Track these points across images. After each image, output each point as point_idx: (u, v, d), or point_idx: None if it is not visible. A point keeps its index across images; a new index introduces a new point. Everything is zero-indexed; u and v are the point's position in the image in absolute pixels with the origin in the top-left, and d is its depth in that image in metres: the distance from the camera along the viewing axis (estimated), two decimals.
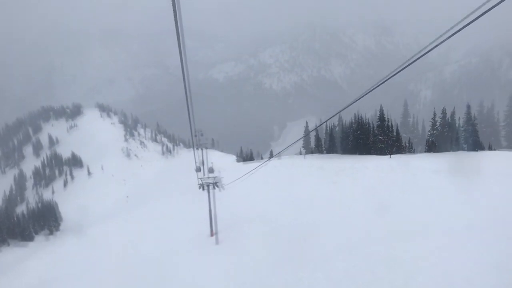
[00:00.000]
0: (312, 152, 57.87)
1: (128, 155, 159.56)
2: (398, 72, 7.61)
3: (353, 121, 49.71)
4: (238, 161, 77.03)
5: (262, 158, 58.73)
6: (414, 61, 6.91)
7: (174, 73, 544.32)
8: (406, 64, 7.43)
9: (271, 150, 67.32)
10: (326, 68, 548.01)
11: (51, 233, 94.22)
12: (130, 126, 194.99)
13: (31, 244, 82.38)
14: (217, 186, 35.23)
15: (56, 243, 57.95)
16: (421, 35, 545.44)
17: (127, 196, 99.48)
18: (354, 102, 8.84)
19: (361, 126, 49.13)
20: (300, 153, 66.97)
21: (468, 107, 41.69)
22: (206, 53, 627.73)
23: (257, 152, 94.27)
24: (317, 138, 58.06)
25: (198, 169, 31.58)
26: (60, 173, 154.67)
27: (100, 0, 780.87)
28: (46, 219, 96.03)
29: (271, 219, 34.90)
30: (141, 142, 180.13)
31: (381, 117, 48.14)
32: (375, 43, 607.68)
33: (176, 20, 6.04)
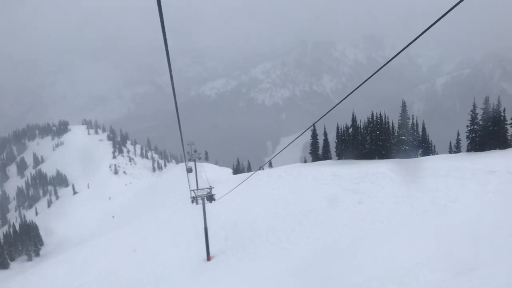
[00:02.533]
0: (319, 159, 51.43)
1: (116, 172, 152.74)
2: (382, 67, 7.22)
3: (370, 120, 43.31)
4: (234, 173, 70.53)
5: (262, 169, 52.07)
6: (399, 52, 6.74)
7: (166, 90, 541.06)
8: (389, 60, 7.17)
9: (270, 161, 61.41)
10: (318, 83, 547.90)
11: (29, 258, 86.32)
12: (119, 142, 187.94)
13: (4, 272, 74.34)
14: (211, 200, 28.96)
15: (33, 270, 50.92)
16: (411, 47, 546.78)
17: (112, 216, 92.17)
18: (342, 101, 8.94)
19: (380, 126, 42.74)
20: (305, 161, 60.55)
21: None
22: (198, 70, 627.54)
23: (254, 165, 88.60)
24: (326, 143, 51.48)
25: (189, 170, 25.96)
26: (45, 193, 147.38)
27: (91, 19, 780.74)
28: (24, 244, 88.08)
29: (279, 237, 28.25)
30: (131, 159, 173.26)
31: (403, 114, 42.03)
32: (366, 57, 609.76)
33: (165, 38, 6.16)
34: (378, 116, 42.55)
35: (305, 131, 14.37)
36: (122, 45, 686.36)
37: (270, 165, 74.06)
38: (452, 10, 5.50)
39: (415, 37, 6.47)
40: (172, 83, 7.85)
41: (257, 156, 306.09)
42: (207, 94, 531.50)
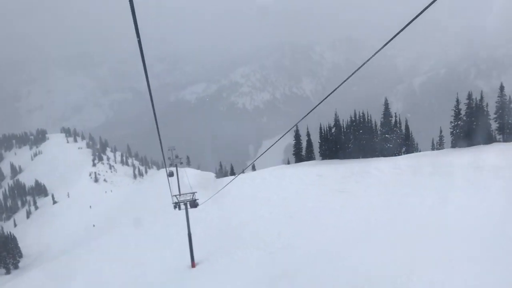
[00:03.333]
0: (302, 160, 51.03)
1: (96, 180, 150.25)
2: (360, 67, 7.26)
3: (353, 119, 43.10)
4: (217, 177, 69.71)
5: (244, 172, 51.48)
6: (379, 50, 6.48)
7: (145, 96, 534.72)
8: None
9: (253, 164, 61.04)
10: (297, 86, 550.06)
11: (8, 271, 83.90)
12: (99, 150, 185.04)
13: None
14: (195, 205, 28.18)
15: (11, 283, 49.23)
16: (388, 48, 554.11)
17: (93, 225, 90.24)
18: (321, 102, 8.92)
19: (363, 125, 42.58)
20: (288, 162, 60.12)
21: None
22: (177, 76, 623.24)
23: (237, 168, 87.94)
24: (309, 143, 51.14)
25: (170, 174, 25.23)
26: (23, 204, 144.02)
27: (66, 27, 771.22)
28: (2, 257, 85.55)
29: (266, 241, 27.68)
30: (111, 166, 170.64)
31: (386, 112, 41.97)
32: (344, 59, 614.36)
33: (140, 43, 6.08)
34: (361, 115, 42.47)
35: (287, 132, 13.99)
36: (99, 52, 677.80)
37: (253, 168, 73.58)
38: (427, 11, 5.51)
39: (391, 38, 6.54)
40: (149, 89, 7.84)
41: (239, 160, 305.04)
42: (187, 99, 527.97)
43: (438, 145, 43.15)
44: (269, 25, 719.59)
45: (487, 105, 36.01)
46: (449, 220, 20.14)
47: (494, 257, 13.83)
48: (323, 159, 47.77)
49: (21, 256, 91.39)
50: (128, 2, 5.17)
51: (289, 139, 55.12)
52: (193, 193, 29.02)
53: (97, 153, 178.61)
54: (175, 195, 29.31)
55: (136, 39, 5.98)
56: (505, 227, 16.60)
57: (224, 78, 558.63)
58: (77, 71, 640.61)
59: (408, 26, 5.92)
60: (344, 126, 44.73)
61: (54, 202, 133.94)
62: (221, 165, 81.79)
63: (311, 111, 9.88)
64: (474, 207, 20.98)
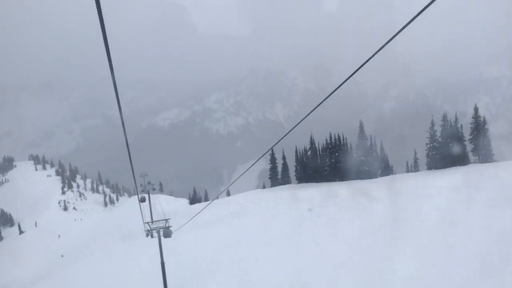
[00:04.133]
0: (278, 184, 50.40)
1: (66, 208, 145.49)
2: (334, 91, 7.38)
3: (329, 141, 42.89)
4: (191, 203, 68.32)
5: (218, 198, 50.49)
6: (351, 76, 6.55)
7: (117, 122, 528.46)
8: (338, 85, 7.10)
9: (228, 189, 60.13)
10: (270, 111, 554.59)
11: None
12: (69, 177, 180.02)
13: None
14: (168, 233, 26.84)
15: None
16: (358, 73, 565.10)
17: (61, 255, 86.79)
18: (295, 127, 9.22)
19: (339, 148, 42.40)
20: (264, 187, 59.33)
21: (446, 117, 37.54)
22: (149, 101, 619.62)
23: (211, 194, 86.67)
24: (285, 167, 50.68)
25: (142, 199, 24.20)
26: None
27: (37, 53, 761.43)
28: None
29: (244, 269, 26.71)
30: (81, 194, 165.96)
31: (361, 134, 41.99)
32: (315, 85, 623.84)
33: (112, 69, 5.98)
34: (337, 137, 42.36)
35: (262, 156, 13.54)
36: (70, 79, 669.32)
37: (228, 194, 72.53)
38: (395, 38, 5.57)
39: (361, 64, 6.59)
40: (121, 115, 7.72)
41: (213, 186, 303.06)
42: (160, 125, 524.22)
43: (413, 168, 43.31)
44: (242, 51, 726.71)
45: (461, 126, 36.37)
46: (432, 240, 19.82)
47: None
48: (299, 182, 47.33)
49: None
50: (100, 28, 5.02)
51: (264, 164, 54.86)
52: (166, 220, 27.88)
53: (66, 181, 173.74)
54: (147, 222, 28.11)
55: (108, 65, 5.88)
56: None
57: (197, 104, 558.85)
58: (47, 97, 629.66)
59: (378, 53, 5.98)
60: (320, 149, 44.53)
61: (21, 232, 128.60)
62: (195, 191, 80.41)
63: (285, 135, 9.84)
64: (452, 226, 20.75)
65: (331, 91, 7.29)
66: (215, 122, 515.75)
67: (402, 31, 5.49)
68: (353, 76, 6.59)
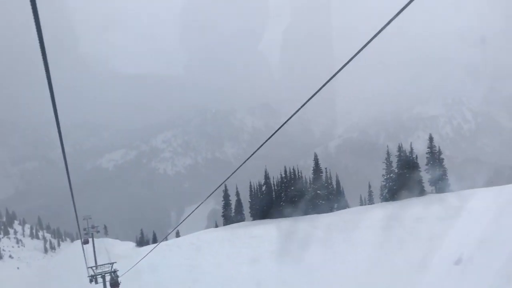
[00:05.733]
0: (232, 222, 48.85)
1: (1, 257, 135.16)
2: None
3: (283, 176, 42.34)
4: (139, 246, 65.13)
5: (167, 239, 48.30)
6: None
7: (60, 165, 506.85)
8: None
9: (178, 230, 57.89)
10: (220, 150, 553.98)
11: None
12: (5, 223, 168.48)
13: None
14: (116, 284, 24.76)
15: None
16: (304, 113, 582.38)
17: None
18: (241, 165, 9.02)
19: (294, 182, 41.89)
20: (216, 226, 57.36)
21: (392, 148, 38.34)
22: (94, 142, 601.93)
23: (160, 236, 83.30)
24: (238, 203, 49.43)
25: (85, 241, 22.38)
26: None
27: None
28: None
29: None
30: (18, 241, 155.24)
31: (316, 168, 41.77)
32: (263, 124, 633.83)
33: (55, 107, 5.83)
34: (291, 171, 42.00)
35: (210, 194, 12.76)
36: (9, 120, 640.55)
37: (178, 234, 69.99)
38: (335, 79, 5.74)
39: (304, 102, 6.85)
40: (64, 157, 7.67)
41: (162, 227, 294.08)
42: (105, 167, 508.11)
43: (367, 201, 43.52)
44: (190, 90, 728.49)
45: (416, 157, 37.00)
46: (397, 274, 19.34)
47: None
48: (254, 219, 46.13)
49: None
50: (44, 69, 4.87)
51: (213, 204, 53.44)
52: (112, 263, 25.78)
53: (2, 227, 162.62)
54: (91, 267, 25.91)
55: (51, 106, 5.78)
56: None
57: (144, 144, 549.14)
58: None
59: (321, 92, 6.13)
60: (275, 184, 43.95)
61: None
62: (142, 233, 77.01)
63: (232, 174, 9.86)
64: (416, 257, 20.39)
65: (273, 133, 7.64)
66: (163, 162, 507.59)
67: (344, 70, 5.55)
68: (299, 113, 7.09)
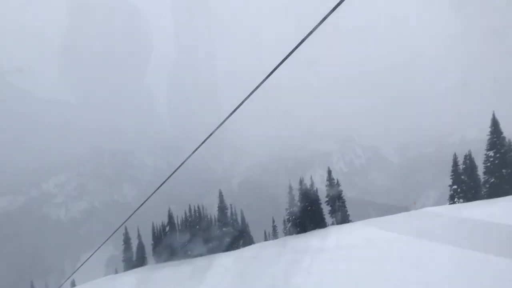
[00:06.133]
0: (133, 267, 46.51)
1: None
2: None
3: (188, 215, 41.82)
4: None
5: None
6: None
7: None
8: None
9: (73, 280, 54.09)
10: (119, 193, 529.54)
11: None
12: None
13: None
14: None
15: None
16: (202, 149, 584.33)
17: None
18: (140, 206, 9.17)
19: (199, 220, 41.50)
20: (116, 272, 54.06)
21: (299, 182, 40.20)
22: None
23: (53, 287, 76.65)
24: (140, 245, 47.51)
25: None
26: None
27: None
28: None
29: None
30: None
31: (221, 205, 41.85)
32: (166, 164, 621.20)
33: None
34: (196, 209, 41.73)
35: (106, 240, 12.50)
36: None
37: (73, 284, 65.20)
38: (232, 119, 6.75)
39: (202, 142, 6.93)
40: None
41: (54, 279, 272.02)
42: None
43: (272, 235, 44.54)
44: (83, 130, 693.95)
45: (316, 190, 38.92)
46: None
47: None
48: (157, 262, 44.57)
49: None
50: None
51: (112, 250, 50.76)
52: None
53: None
54: None
55: None
56: None
57: (34, 189, 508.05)
58: None
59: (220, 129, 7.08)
60: (179, 224, 43.20)
61: None
62: (32, 286, 70.49)
63: (130, 217, 10.39)
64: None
65: (172, 172, 8.95)
66: (55, 208, 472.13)
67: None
68: (201, 150, 7.82)
